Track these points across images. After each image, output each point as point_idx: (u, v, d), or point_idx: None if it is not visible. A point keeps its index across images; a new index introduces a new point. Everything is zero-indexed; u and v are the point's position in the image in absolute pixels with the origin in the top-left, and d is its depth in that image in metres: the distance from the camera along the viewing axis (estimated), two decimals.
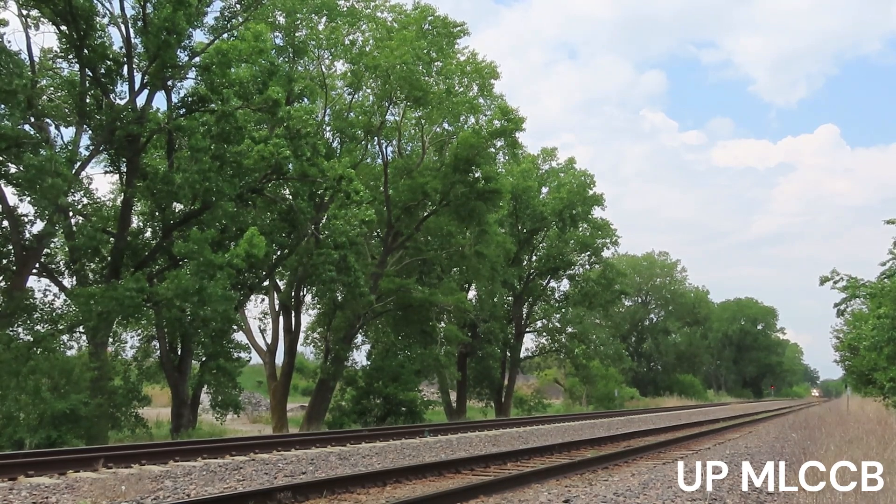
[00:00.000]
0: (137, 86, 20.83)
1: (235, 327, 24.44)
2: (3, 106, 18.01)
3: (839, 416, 27.25)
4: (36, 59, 20.34)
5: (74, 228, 21.05)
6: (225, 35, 22.71)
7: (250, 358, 26.79)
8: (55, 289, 21.07)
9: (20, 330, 19.38)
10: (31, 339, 19.02)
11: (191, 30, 20.70)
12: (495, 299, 39.61)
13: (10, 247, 19.66)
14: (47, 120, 20.59)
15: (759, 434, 22.44)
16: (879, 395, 25.30)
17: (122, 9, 20.36)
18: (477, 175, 30.39)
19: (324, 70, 29.02)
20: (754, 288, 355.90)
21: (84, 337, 20.39)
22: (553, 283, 46.49)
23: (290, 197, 25.04)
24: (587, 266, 44.82)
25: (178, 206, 22.78)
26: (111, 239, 21.37)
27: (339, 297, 28.87)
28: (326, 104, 28.94)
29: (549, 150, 44.58)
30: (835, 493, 8.24)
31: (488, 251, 32.94)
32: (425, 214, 31.34)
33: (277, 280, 30.45)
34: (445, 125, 33.12)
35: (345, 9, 28.22)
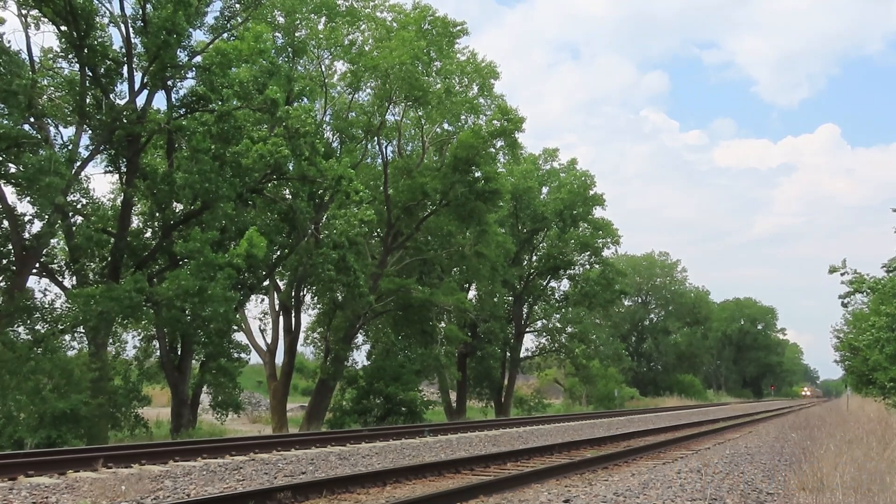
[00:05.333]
0: (137, 86, 20.83)
1: (235, 327, 24.43)
2: (3, 106, 18.00)
3: (839, 416, 27.27)
4: (36, 59, 20.34)
5: (74, 228, 21.05)
6: (225, 35, 22.72)
7: (250, 358, 26.81)
8: (55, 289, 21.10)
9: (20, 330, 19.38)
10: (32, 339, 19.01)
11: (191, 30, 20.70)
12: (495, 299, 39.59)
13: (10, 247, 19.65)
14: (47, 120, 20.57)
15: (760, 434, 22.45)
16: (879, 395, 25.32)
17: (122, 9, 20.38)
18: (477, 175, 30.40)
19: (323, 70, 29.03)
20: (755, 288, 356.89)
21: (84, 337, 20.39)
22: (553, 283, 46.54)
23: (290, 197, 25.04)
24: (587, 266, 44.80)
25: (178, 206, 22.78)
26: (111, 239, 21.37)
27: (339, 297, 28.86)
28: (326, 104, 28.95)
29: (551, 150, 44.59)
30: (835, 493, 8.24)
31: (488, 251, 32.93)
32: (425, 214, 31.33)
33: (277, 280, 30.44)
34: (445, 125, 33.13)
35: (344, 8, 28.22)
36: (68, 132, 21.93)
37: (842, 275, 17.32)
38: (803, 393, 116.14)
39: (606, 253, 44.82)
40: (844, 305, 20.59)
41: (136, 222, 23.54)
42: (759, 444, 17.87)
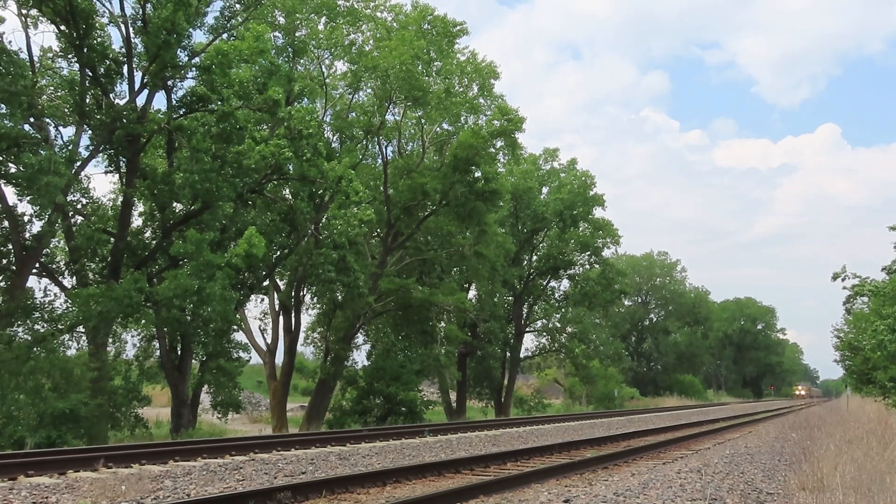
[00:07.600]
0: (137, 85, 20.83)
1: (235, 327, 24.40)
2: (3, 106, 18.00)
3: (839, 416, 27.28)
4: (36, 59, 20.33)
5: (74, 228, 21.05)
6: (225, 35, 22.71)
7: (250, 358, 26.79)
8: (55, 289, 21.08)
9: (20, 330, 19.37)
10: (31, 339, 19.01)
11: (190, 30, 20.69)
12: (495, 299, 39.58)
13: (10, 247, 19.65)
14: (47, 120, 20.56)
15: (759, 434, 22.45)
16: (879, 394, 25.32)
17: (122, 8, 20.38)
18: (477, 175, 30.41)
19: (324, 70, 29.04)
20: (756, 288, 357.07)
21: (84, 337, 20.39)
22: (553, 283, 46.56)
23: (290, 197, 25.03)
24: (587, 266, 44.82)
25: (178, 206, 22.77)
26: (111, 239, 21.37)
27: (339, 297, 28.87)
28: (326, 104, 28.95)
29: (551, 150, 44.60)
30: (835, 493, 8.24)
31: (488, 251, 32.93)
32: (425, 214, 31.34)
33: (277, 280, 30.44)
34: (445, 125, 33.14)
35: (344, 8, 28.23)
36: (68, 132, 21.99)
37: (843, 280, 17.40)
38: (798, 392, 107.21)
39: (606, 253, 44.88)
40: (848, 311, 20.71)
41: (136, 222, 23.55)
42: (759, 444, 17.87)
